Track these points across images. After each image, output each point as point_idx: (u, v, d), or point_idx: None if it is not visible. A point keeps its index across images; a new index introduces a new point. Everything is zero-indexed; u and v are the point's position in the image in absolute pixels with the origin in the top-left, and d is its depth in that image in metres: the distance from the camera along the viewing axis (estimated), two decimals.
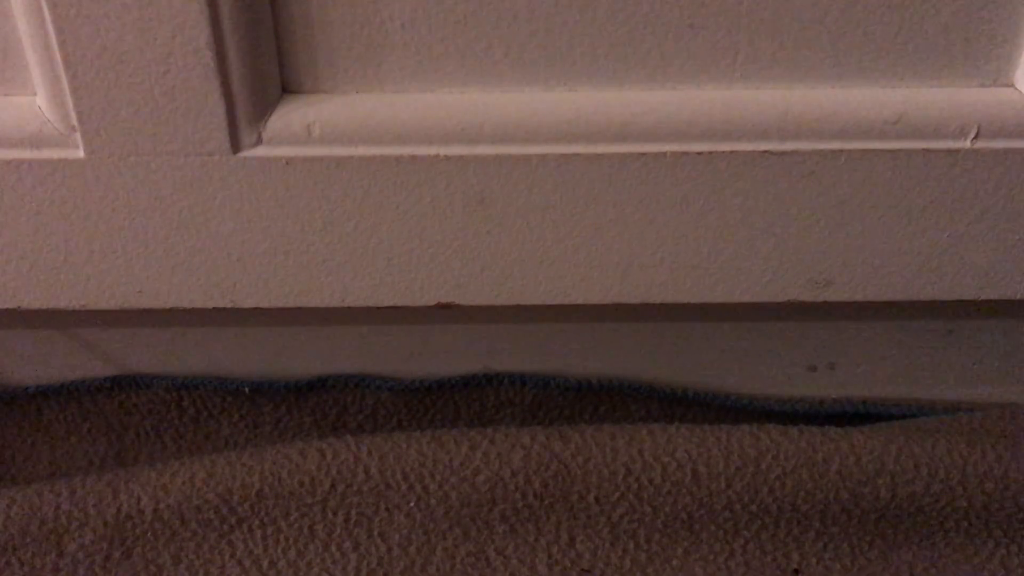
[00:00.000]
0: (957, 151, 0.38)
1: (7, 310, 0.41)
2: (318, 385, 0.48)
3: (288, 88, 0.38)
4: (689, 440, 0.42)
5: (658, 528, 0.42)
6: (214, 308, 0.41)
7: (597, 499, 0.42)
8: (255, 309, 0.42)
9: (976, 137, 0.38)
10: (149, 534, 0.41)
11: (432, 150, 0.38)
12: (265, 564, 0.41)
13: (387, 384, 0.48)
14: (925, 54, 0.37)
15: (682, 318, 0.47)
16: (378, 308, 0.42)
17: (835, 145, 0.38)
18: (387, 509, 0.42)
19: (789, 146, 0.38)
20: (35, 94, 0.37)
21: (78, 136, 0.37)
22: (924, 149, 0.38)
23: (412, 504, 0.42)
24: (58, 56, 0.35)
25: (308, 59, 0.37)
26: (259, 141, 0.37)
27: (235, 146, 0.37)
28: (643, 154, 0.38)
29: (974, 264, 0.41)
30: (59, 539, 0.40)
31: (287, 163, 0.38)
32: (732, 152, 0.38)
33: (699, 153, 0.38)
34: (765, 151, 0.38)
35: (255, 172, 0.38)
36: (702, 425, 0.43)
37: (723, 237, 0.40)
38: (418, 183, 0.38)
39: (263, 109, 0.37)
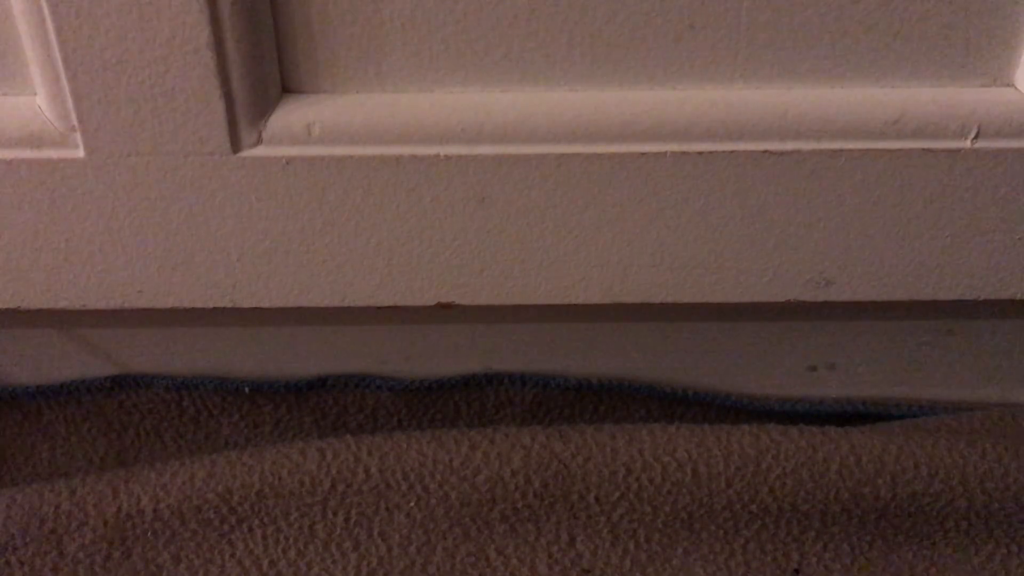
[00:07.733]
0: (957, 151, 0.38)
1: (7, 310, 0.41)
2: (318, 385, 0.48)
3: (288, 88, 0.38)
4: (689, 440, 0.42)
5: (658, 528, 0.42)
6: (214, 308, 0.41)
7: (597, 499, 0.42)
8: (255, 309, 0.42)
9: (976, 137, 0.38)
10: (149, 534, 0.41)
11: (432, 150, 0.38)
12: (265, 564, 0.41)
13: (387, 384, 0.48)
14: (925, 54, 0.37)
15: (682, 318, 0.47)
16: (378, 308, 0.42)
17: (835, 145, 0.38)
18: (387, 509, 0.42)
19: (789, 146, 0.38)
20: (35, 94, 0.37)
21: (78, 136, 0.37)
22: (924, 149, 0.38)
23: (412, 504, 0.42)
24: (58, 56, 0.35)
25: (308, 59, 0.37)
26: (259, 141, 0.37)
27: (235, 146, 0.37)
28: (643, 154, 0.38)
29: (974, 264, 0.41)
30: (59, 539, 0.40)
31: (287, 163, 0.38)
32: (732, 152, 0.38)
33: (699, 153, 0.38)
34: (765, 151, 0.38)
35: (255, 172, 0.38)
36: (702, 425, 0.43)
37: (723, 237, 0.40)
38: (418, 183, 0.38)
39: (263, 109, 0.37)
